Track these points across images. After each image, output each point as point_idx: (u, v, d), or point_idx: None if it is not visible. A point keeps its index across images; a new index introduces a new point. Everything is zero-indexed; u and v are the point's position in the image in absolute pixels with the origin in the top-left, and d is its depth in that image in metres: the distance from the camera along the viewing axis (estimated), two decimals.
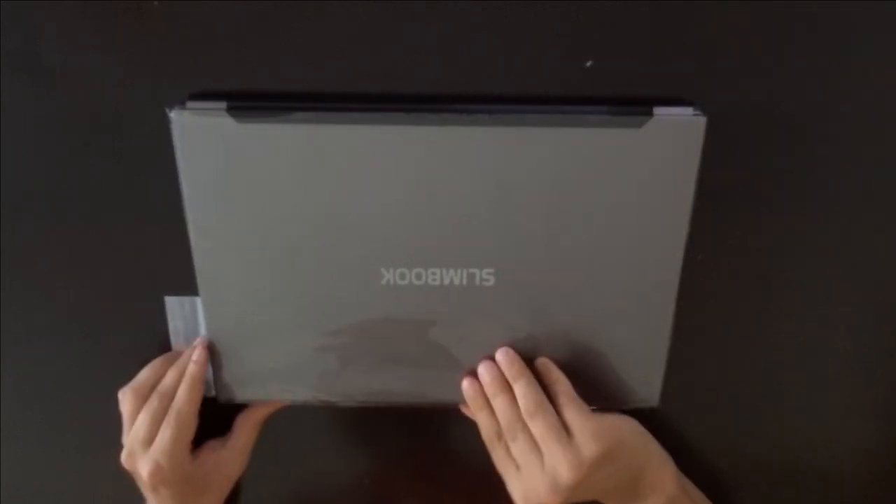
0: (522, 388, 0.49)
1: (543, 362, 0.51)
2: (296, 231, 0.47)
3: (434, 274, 0.48)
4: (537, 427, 0.47)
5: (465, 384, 0.51)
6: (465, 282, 0.48)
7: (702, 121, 0.44)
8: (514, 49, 0.45)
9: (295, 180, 0.46)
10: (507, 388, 0.49)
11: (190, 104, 0.45)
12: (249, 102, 0.45)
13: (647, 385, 0.53)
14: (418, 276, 0.48)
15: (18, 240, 0.52)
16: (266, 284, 0.49)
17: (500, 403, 0.49)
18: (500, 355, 0.50)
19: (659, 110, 0.45)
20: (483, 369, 0.50)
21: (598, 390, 0.52)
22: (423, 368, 0.52)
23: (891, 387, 0.56)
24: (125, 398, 0.51)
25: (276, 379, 0.53)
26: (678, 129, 0.45)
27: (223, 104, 0.45)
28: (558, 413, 0.48)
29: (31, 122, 0.48)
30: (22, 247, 0.52)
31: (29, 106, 0.47)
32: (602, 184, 0.46)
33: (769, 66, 0.46)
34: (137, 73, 0.46)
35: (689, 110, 0.45)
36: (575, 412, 0.48)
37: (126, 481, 0.52)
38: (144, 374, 0.52)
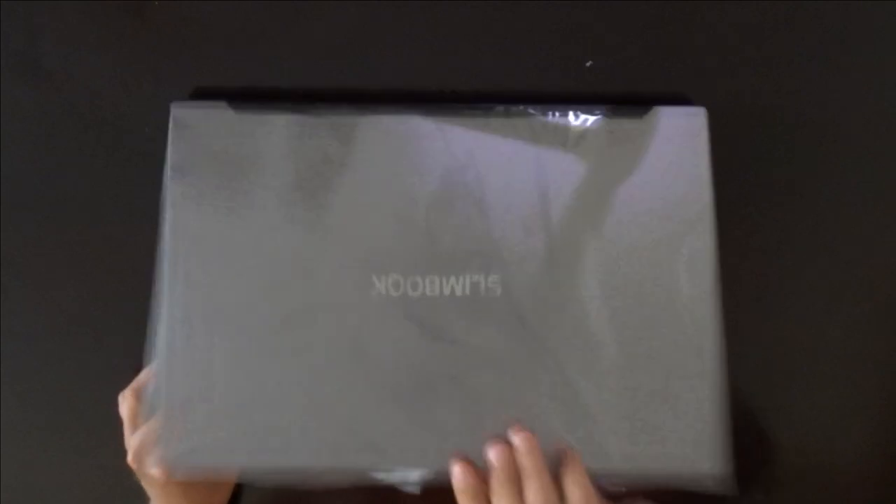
0: (534, 489, 0.41)
1: (562, 451, 0.44)
2: (290, 233, 0.46)
3: (433, 282, 0.43)
4: None
5: (457, 472, 0.43)
6: (468, 291, 0.43)
7: (702, 114, 0.44)
8: (514, 49, 0.45)
9: (293, 180, 0.46)
10: (515, 478, 0.42)
11: (190, 103, 0.45)
12: (249, 102, 0.45)
13: (701, 446, 0.43)
14: (414, 286, 0.43)
15: (18, 240, 0.52)
16: (248, 288, 0.45)
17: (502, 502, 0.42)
18: (520, 442, 0.42)
19: (658, 110, 0.44)
20: (494, 455, 0.43)
21: (629, 453, 0.44)
22: (419, 410, 0.43)
23: (891, 387, 0.56)
24: (125, 399, 0.51)
25: (240, 428, 0.44)
26: (679, 129, 0.45)
27: (223, 103, 0.45)
28: None
29: (31, 122, 0.48)
30: (22, 247, 0.52)
31: (29, 106, 0.47)
32: (605, 185, 0.45)
33: (769, 66, 0.46)
34: (137, 73, 0.46)
35: (689, 109, 0.45)
36: None
37: (126, 481, 0.52)
38: (144, 375, 0.52)
